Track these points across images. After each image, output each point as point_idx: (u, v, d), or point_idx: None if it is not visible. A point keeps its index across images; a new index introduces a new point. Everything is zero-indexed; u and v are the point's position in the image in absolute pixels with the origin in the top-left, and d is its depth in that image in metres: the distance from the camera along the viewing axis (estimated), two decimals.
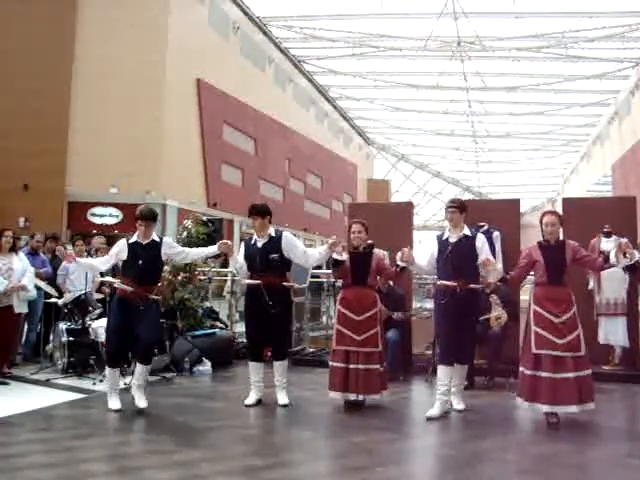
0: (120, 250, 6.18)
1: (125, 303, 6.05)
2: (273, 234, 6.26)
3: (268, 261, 6.14)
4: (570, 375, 5.44)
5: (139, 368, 6.05)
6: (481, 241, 6.08)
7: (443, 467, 4.61)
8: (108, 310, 8.40)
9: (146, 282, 6.07)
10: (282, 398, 6.23)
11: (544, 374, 5.50)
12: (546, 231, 5.79)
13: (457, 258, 5.96)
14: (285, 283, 6.32)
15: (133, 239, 6.19)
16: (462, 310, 5.91)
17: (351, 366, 6.14)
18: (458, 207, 6.12)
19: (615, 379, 7.44)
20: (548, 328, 5.58)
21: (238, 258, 6.31)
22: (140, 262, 6.05)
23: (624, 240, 5.50)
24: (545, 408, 5.51)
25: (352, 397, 6.16)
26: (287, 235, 6.32)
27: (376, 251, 6.52)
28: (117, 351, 6.13)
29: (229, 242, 6.40)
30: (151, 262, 6.12)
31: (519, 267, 5.96)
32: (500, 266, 7.01)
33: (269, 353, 6.55)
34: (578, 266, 6.12)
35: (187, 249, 6.54)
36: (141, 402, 5.96)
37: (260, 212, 6.26)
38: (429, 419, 5.78)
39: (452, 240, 6.07)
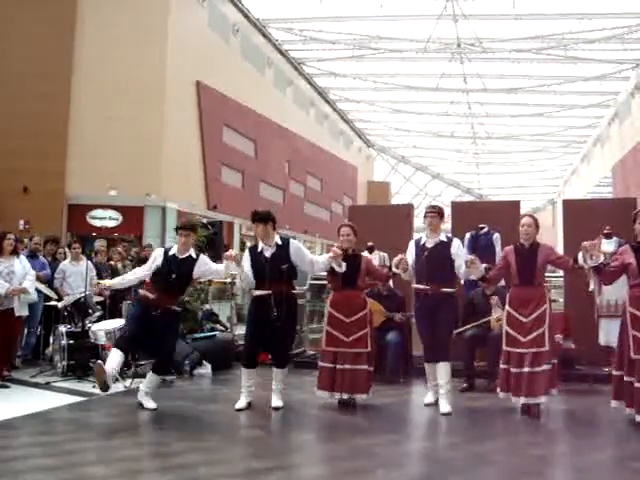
0: (155, 259, 6.25)
1: (145, 308, 6.15)
2: (280, 242, 6.14)
3: (279, 272, 6.03)
4: (526, 370, 5.84)
5: (151, 377, 6.12)
6: (456, 247, 6.32)
7: (444, 469, 4.59)
8: (108, 312, 8.45)
9: (172, 293, 6.17)
10: (276, 401, 6.21)
11: (512, 369, 5.94)
12: (522, 232, 6.14)
13: (432, 262, 6.20)
14: (293, 291, 6.29)
15: (172, 251, 6.25)
16: (435, 312, 6.17)
17: (338, 366, 6.26)
18: (438, 212, 6.39)
19: None
20: (516, 328, 5.97)
21: (245, 268, 6.14)
22: (173, 276, 6.12)
23: (589, 242, 5.62)
24: (514, 399, 5.95)
25: (337, 396, 6.30)
26: (294, 243, 6.25)
27: (372, 253, 6.53)
28: (131, 346, 6.34)
29: (232, 252, 6.22)
30: (183, 277, 6.20)
31: (496, 268, 6.37)
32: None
33: (269, 356, 6.53)
34: (555, 267, 6.59)
35: (216, 268, 6.38)
36: (150, 404, 6.10)
37: (262, 218, 6.11)
38: (426, 405, 6.34)
39: (429, 245, 6.32)
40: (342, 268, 6.16)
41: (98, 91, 18.16)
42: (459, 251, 6.31)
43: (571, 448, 5.10)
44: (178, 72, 19.54)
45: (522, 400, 5.89)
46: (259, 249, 6.18)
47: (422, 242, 6.38)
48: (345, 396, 6.31)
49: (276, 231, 6.24)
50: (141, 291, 6.31)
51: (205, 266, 6.30)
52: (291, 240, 6.28)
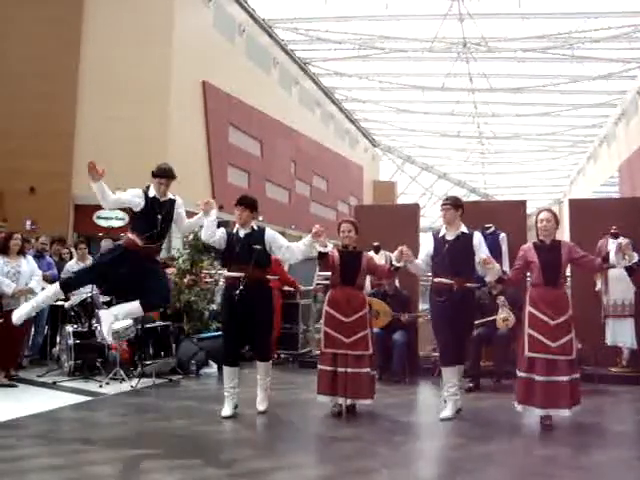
0: (136, 196, 5.94)
1: (130, 255, 5.81)
2: (256, 227, 6.02)
3: (250, 251, 5.82)
4: (564, 378, 5.39)
5: (132, 307, 5.80)
6: (478, 239, 5.97)
7: (449, 470, 4.59)
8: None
9: (157, 240, 5.97)
10: (260, 402, 6.00)
11: (538, 377, 5.44)
12: (540, 227, 5.64)
13: (454, 256, 5.86)
14: (269, 276, 6.12)
15: (151, 193, 5.98)
16: (458, 309, 5.82)
17: (339, 369, 5.94)
18: (452, 204, 6.03)
19: (623, 381, 7.41)
20: (542, 331, 5.48)
21: (215, 228, 5.92)
22: (159, 217, 5.93)
23: (625, 241, 5.43)
24: (538, 411, 5.49)
25: (341, 401, 5.98)
26: (270, 230, 6.09)
27: (378, 253, 6.45)
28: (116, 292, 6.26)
29: (206, 199, 6.07)
30: (166, 220, 6.03)
31: (515, 268, 5.88)
32: (506, 268, 6.99)
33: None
34: (576, 267, 6.06)
35: (188, 220, 6.26)
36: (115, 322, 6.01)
37: (249, 204, 6.01)
38: (443, 420, 5.77)
39: (449, 238, 5.98)
40: (327, 247, 5.92)
41: (104, 91, 18.23)
42: (482, 244, 5.95)
43: (577, 448, 5.07)
44: (184, 72, 19.59)
45: (566, 412, 5.40)
46: (235, 230, 6.02)
47: (441, 235, 6.05)
48: (348, 402, 5.98)
49: (255, 220, 6.10)
50: (130, 235, 5.92)
51: (180, 208, 6.19)
52: (266, 228, 6.12)
